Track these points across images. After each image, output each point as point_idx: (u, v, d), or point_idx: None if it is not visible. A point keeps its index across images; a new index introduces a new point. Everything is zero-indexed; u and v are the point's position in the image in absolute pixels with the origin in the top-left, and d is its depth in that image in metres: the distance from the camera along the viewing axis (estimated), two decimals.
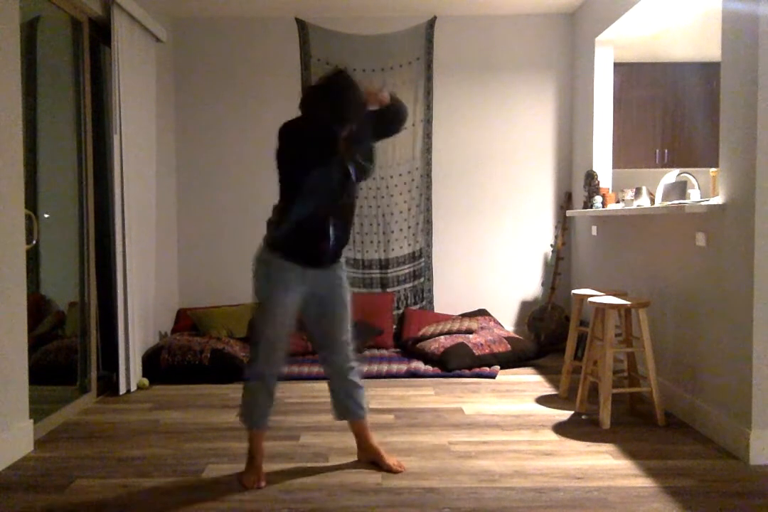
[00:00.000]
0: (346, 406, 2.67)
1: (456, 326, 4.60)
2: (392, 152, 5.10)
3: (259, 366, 2.52)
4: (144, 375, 4.05)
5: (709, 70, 5.30)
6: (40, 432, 3.09)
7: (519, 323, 5.19)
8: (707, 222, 2.99)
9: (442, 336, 4.49)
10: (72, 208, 3.56)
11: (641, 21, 4.23)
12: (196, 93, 5.09)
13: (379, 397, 3.72)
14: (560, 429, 3.15)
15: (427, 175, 5.13)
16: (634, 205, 3.88)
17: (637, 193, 3.88)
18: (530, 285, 5.22)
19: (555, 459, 2.76)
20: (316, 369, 4.24)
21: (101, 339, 3.83)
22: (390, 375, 4.17)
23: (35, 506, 2.36)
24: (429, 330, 4.65)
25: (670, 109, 5.38)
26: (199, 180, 5.12)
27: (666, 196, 3.63)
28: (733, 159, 2.80)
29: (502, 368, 4.35)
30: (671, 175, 3.87)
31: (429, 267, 5.18)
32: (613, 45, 4.68)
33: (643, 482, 2.51)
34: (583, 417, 3.33)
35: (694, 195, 3.59)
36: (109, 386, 3.89)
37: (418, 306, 5.17)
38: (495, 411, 3.44)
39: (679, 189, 3.56)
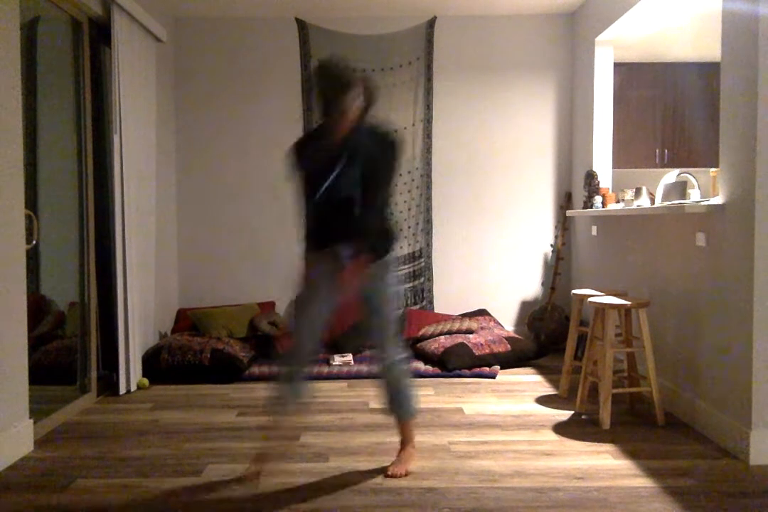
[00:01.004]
0: (394, 405, 2.64)
1: (456, 326, 4.60)
2: None
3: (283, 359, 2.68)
4: (144, 375, 4.06)
5: (709, 70, 5.31)
6: (40, 432, 3.09)
7: (519, 323, 5.19)
8: (707, 222, 3.00)
9: (442, 336, 4.49)
10: (72, 208, 3.57)
11: (641, 21, 4.23)
12: (196, 93, 5.10)
13: (379, 397, 3.72)
14: (560, 429, 3.15)
15: (427, 175, 5.13)
16: (634, 205, 3.88)
17: (637, 193, 3.88)
18: (530, 285, 5.22)
19: (555, 459, 2.76)
20: (315, 369, 4.24)
21: (101, 339, 3.83)
22: None
23: (35, 506, 2.36)
24: (429, 330, 4.65)
25: (670, 109, 5.38)
26: (199, 180, 5.12)
27: (666, 196, 3.63)
28: (733, 159, 2.80)
29: (502, 368, 4.35)
30: (671, 175, 3.87)
31: (429, 268, 5.18)
32: (613, 45, 4.68)
33: (643, 482, 2.51)
34: (583, 417, 3.33)
35: (694, 195, 3.59)
36: (109, 386, 3.89)
37: (418, 306, 5.18)
38: (495, 411, 3.44)
39: (679, 189, 3.56)
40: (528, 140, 5.16)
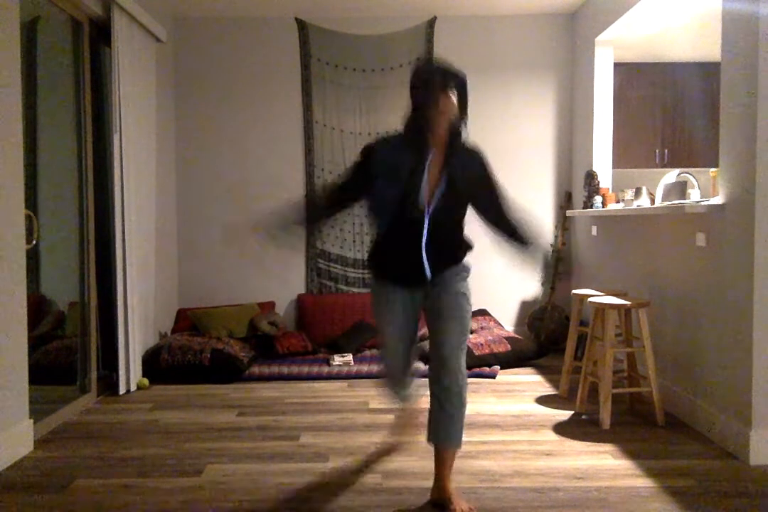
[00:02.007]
0: (438, 430, 2.30)
1: None
2: None
3: (387, 385, 2.61)
4: (144, 375, 4.06)
5: (709, 70, 5.30)
6: (40, 432, 3.09)
7: (519, 323, 5.19)
8: (707, 222, 2.99)
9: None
10: (72, 208, 3.57)
11: (641, 21, 4.23)
12: (196, 93, 5.09)
13: (379, 397, 3.72)
14: (560, 429, 3.15)
15: None
16: (634, 205, 3.88)
17: (637, 193, 3.88)
18: (530, 286, 5.22)
19: (555, 459, 2.76)
20: (315, 369, 4.25)
21: (101, 339, 3.83)
22: None
23: (35, 506, 2.36)
24: None
25: (670, 109, 5.38)
26: (199, 180, 5.12)
27: (666, 196, 3.63)
28: (733, 159, 2.80)
29: (502, 368, 4.35)
30: (671, 175, 3.87)
31: None
32: (613, 45, 4.68)
33: (643, 482, 2.51)
34: (583, 417, 3.33)
35: (694, 195, 3.59)
36: (109, 386, 3.89)
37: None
38: (495, 411, 3.44)
39: (679, 189, 3.56)
40: (528, 140, 5.16)
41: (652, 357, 3.19)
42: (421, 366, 4.27)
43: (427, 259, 2.29)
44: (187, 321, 4.85)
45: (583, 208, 4.64)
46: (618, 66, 5.09)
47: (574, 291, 3.68)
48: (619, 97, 5.18)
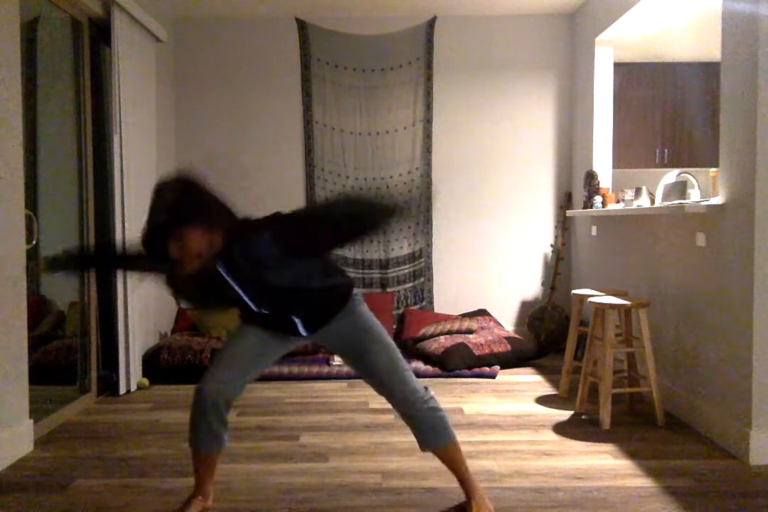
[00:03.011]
0: (425, 437, 2.24)
1: (456, 326, 4.60)
2: (392, 152, 5.10)
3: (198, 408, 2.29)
4: (144, 375, 4.05)
5: (709, 70, 5.30)
6: (40, 432, 3.09)
7: (519, 323, 5.19)
8: (707, 222, 2.99)
9: (442, 336, 4.49)
10: (72, 208, 3.56)
11: (641, 21, 4.23)
12: (196, 93, 5.09)
13: (380, 397, 3.71)
14: (560, 429, 3.15)
15: (427, 175, 5.12)
16: (634, 205, 3.88)
17: (637, 193, 3.88)
18: (530, 285, 5.21)
19: (555, 459, 2.76)
20: (315, 369, 4.24)
21: (101, 339, 3.83)
22: None
23: (35, 506, 2.36)
24: (429, 330, 4.65)
25: (670, 109, 5.38)
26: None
27: (666, 196, 3.63)
28: (733, 159, 2.79)
29: (502, 368, 4.35)
30: (671, 175, 3.87)
31: (429, 267, 5.17)
32: (613, 45, 4.67)
33: (643, 482, 2.51)
34: (583, 417, 3.33)
35: (694, 195, 3.59)
36: (109, 386, 3.89)
37: (418, 306, 5.17)
38: (495, 411, 3.44)
39: (679, 189, 3.56)
40: (528, 140, 5.16)
41: (652, 357, 3.19)
42: (421, 366, 4.28)
43: (300, 322, 2.14)
44: (187, 321, 4.85)
45: (583, 208, 4.64)
46: (618, 66, 5.08)
47: (574, 292, 3.68)
48: (619, 97, 5.18)
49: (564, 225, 5.13)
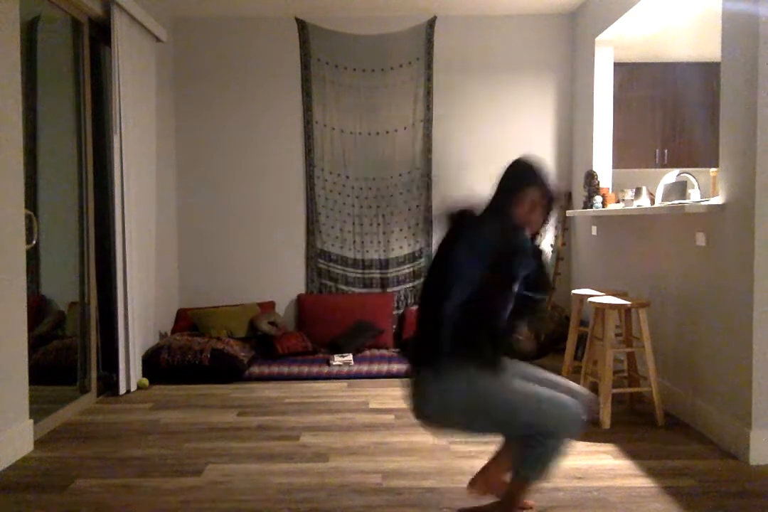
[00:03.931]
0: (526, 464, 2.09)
1: None
2: (392, 152, 5.10)
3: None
4: (144, 375, 4.05)
5: (709, 70, 5.30)
6: (40, 432, 3.09)
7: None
8: (707, 222, 2.99)
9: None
10: (72, 208, 3.56)
11: (641, 21, 4.23)
12: (196, 92, 5.09)
13: (379, 397, 3.72)
14: None
15: (427, 175, 5.12)
16: (634, 205, 3.88)
17: (637, 193, 3.88)
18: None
19: None
20: (315, 369, 4.25)
21: (101, 339, 3.83)
22: (390, 375, 4.17)
23: (35, 506, 2.36)
24: None
25: (670, 109, 5.37)
26: (199, 179, 5.12)
27: (666, 196, 3.63)
28: (733, 159, 2.79)
29: None
30: (671, 175, 3.87)
31: None
32: (613, 45, 4.68)
33: (643, 482, 2.51)
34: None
35: (694, 195, 3.59)
36: (109, 386, 3.89)
37: (418, 307, 5.16)
38: None
39: (679, 189, 3.56)
40: (528, 140, 5.16)
41: (652, 357, 3.19)
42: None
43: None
44: (187, 321, 4.85)
45: (583, 208, 4.64)
46: (618, 66, 5.08)
47: (574, 292, 3.68)
48: (619, 97, 5.18)
49: (564, 225, 5.13)
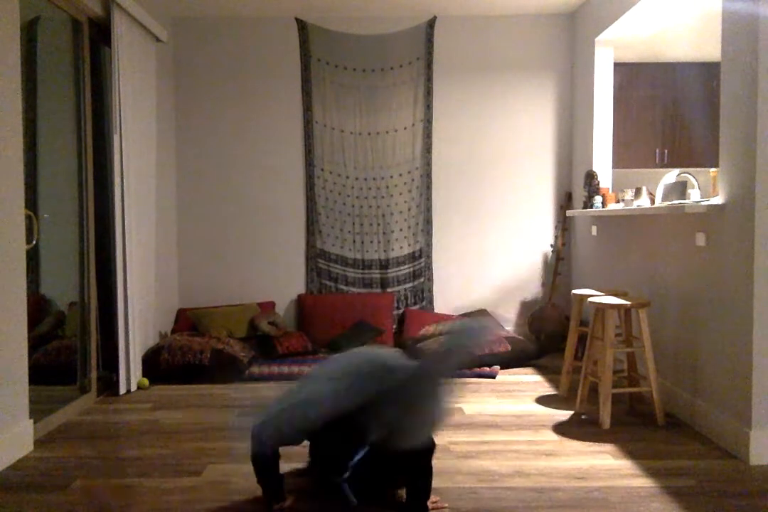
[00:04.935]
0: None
1: None
2: (392, 152, 5.10)
3: None
4: (144, 375, 4.05)
5: (709, 70, 5.30)
6: (40, 432, 3.09)
7: (519, 323, 5.19)
8: (707, 222, 2.99)
9: (442, 336, 4.49)
10: (72, 208, 3.56)
11: (641, 21, 4.23)
12: (196, 93, 5.09)
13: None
14: (560, 429, 3.15)
15: (427, 175, 5.13)
16: (634, 205, 3.88)
17: (637, 193, 3.88)
18: (530, 286, 5.22)
19: (555, 459, 2.76)
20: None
21: (101, 339, 3.83)
22: None
23: (35, 506, 2.36)
24: (429, 330, 4.65)
25: (670, 109, 5.37)
26: (199, 180, 5.12)
27: (666, 196, 3.63)
28: (733, 159, 2.80)
29: (502, 368, 4.35)
30: (671, 175, 3.86)
31: (429, 267, 5.18)
32: (613, 45, 4.68)
33: (643, 482, 2.51)
34: (583, 417, 3.33)
35: (694, 195, 3.59)
36: (109, 386, 3.89)
37: (418, 306, 5.17)
38: (495, 411, 3.44)
39: (679, 189, 3.56)
40: (528, 140, 5.16)
41: (652, 357, 3.19)
42: None
43: None
44: (187, 321, 4.85)
45: (583, 208, 4.63)
46: (618, 66, 5.09)
47: (574, 292, 3.68)
48: (619, 97, 5.18)
49: (564, 225, 5.13)
